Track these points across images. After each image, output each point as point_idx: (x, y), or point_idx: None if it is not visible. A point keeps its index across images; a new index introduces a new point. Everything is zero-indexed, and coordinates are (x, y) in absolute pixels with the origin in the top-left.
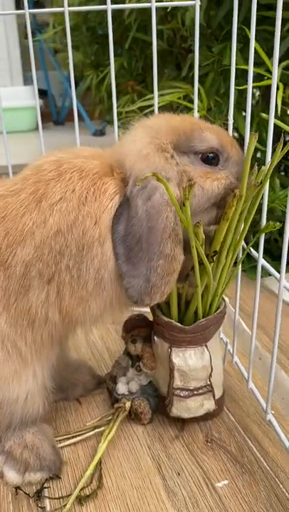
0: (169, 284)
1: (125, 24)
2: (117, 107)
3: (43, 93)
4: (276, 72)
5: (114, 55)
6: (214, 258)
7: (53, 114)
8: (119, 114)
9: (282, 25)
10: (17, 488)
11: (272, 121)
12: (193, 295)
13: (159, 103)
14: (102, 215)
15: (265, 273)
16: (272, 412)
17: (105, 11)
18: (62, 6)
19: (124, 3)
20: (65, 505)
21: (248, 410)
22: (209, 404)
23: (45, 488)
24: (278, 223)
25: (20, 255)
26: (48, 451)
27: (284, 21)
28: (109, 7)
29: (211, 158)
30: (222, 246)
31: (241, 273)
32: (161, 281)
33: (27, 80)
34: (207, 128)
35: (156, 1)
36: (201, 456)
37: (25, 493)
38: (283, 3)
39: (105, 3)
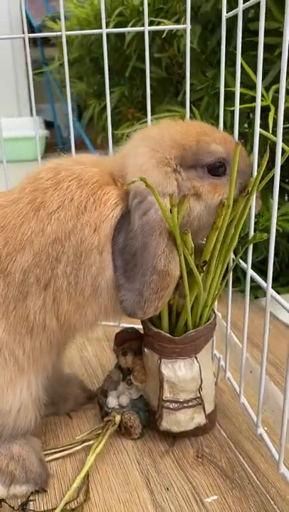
0: (163, 299)
1: (126, 54)
2: (118, 133)
3: (49, 124)
4: (260, 91)
5: (116, 85)
6: (204, 268)
7: (59, 145)
8: (120, 137)
9: (272, 50)
10: (1, 500)
11: (257, 139)
12: (183, 306)
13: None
14: (102, 224)
15: (261, 293)
16: (265, 428)
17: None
18: (68, 51)
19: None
20: None
21: (240, 427)
22: (200, 418)
23: (30, 500)
24: (265, 234)
25: (20, 262)
26: (34, 463)
27: (274, 47)
28: (104, 31)
29: (218, 168)
30: (211, 256)
31: (236, 293)
32: (154, 295)
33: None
34: (213, 139)
35: (149, 26)
36: (190, 471)
37: (10, 506)
38: (272, 30)
39: (109, 39)
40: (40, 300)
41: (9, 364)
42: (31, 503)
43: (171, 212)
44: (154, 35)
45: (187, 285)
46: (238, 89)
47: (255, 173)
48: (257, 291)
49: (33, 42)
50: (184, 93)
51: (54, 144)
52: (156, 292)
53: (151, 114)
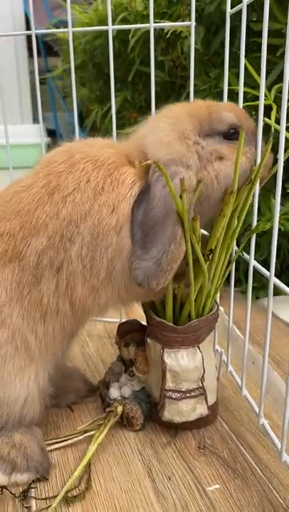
0: (173, 271)
1: (129, 59)
2: (121, 132)
3: (51, 132)
4: (263, 88)
5: (119, 90)
6: (209, 257)
7: None
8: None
9: (275, 51)
10: (2, 487)
11: (260, 137)
12: (188, 296)
13: None
14: (120, 204)
15: (262, 294)
16: (268, 421)
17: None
18: (71, 57)
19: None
20: (51, 505)
21: (242, 419)
22: (202, 409)
23: (32, 488)
24: (269, 224)
25: (34, 245)
26: (36, 451)
27: (276, 47)
28: (110, 28)
29: (232, 134)
30: (216, 245)
31: (237, 293)
32: (168, 266)
33: (36, 119)
34: (223, 108)
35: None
36: (192, 461)
37: (11, 493)
38: (275, 31)
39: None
40: (54, 283)
41: (20, 351)
42: (33, 490)
43: (181, 198)
44: (157, 38)
45: (192, 273)
46: (241, 88)
47: (258, 163)
48: (258, 291)
49: (37, 51)
50: (187, 94)
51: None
52: (170, 263)
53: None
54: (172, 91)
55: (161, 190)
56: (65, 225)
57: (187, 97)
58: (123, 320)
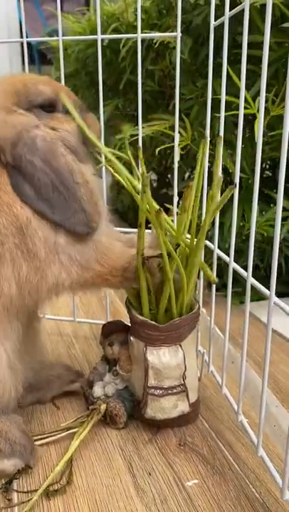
0: (99, 203)
1: (120, 68)
2: (110, 145)
3: None
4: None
5: (110, 99)
6: (177, 251)
7: None
8: (113, 146)
9: (259, 63)
10: None
11: (239, 148)
12: (163, 291)
13: (145, 133)
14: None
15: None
16: (247, 420)
17: (103, 56)
18: (64, 65)
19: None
20: (31, 499)
21: (222, 418)
22: (183, 406)
23: (15, 479)
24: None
25: None
26: (17, 435)
27: (260, 58)
28: (100, 37)
29: (49, 106)
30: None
31: (220, 297)
32: (92, 205)
33: None
34: (40, 81)
35: (142, 33)
36: (173, 458)
37: None
38: (257, 43)
39: (105, 54)
40: None
41: None
42: (15, 483)
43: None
44: (147, 48)
45: (169, 268)
46: (223, 95)
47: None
48: (242, 296)
49: (30, 59)
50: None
51: None
52: (90, 202)
53: (144, 122)
54: (162, 100)
55: (35, 157)
56: None
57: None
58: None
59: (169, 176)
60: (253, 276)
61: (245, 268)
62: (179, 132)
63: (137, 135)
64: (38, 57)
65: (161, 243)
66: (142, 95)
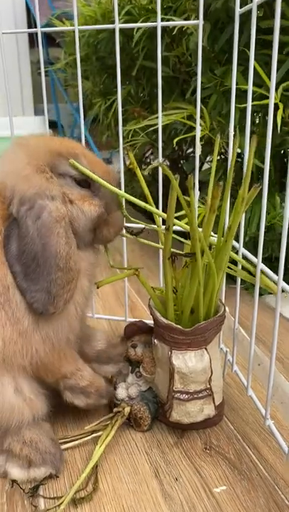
0: (71, 291)
1: (133, 53)
2: (123, 132)
3: (52, 124)
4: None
5: (122, 84)
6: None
7: None
8: (126, 136)
9: (281, 49)
10: (13, 481)
11: (269, 139)
12: (188, 295)
13: (163, 122)
14: None
15: (265, 290)
16: (273, 421)
17: (114, 40)
18: (74, 49)
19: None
20: (59, 506)
21: (247, 419)
22: (209, 410)
23: (41, 484)
24: None
25: None
26: (47, 444)
27: (283, 45)
28: (117, 26)
29: (83, 182)
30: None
31: (241, 290)
32: (62, 290)
33: (37, 111)
34: (83, 154)
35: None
36: (199, 462)
37: (21, 488)
38: (282, 28)
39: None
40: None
41: None
42: (41, 488)
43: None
44: (162, 33)
45: (200, 266)
46: (250, 87)
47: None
48: (261, 288)
49: (37, 42)
50: (192, 91)
51: None
52: (63, 287)
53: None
54: (176, 86)
55: (33, 225)
56: None
57: (193, 93)
58: (128, 318)
59: (182, 161)
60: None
61: (266, 260)
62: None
63: (153, 125)
64: (45, 39)
65: (196, 239)
66: (155, 81)
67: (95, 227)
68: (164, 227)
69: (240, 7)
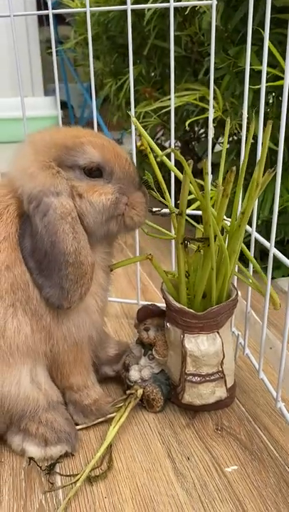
0: (86, 285)
1: (144, 32)
2: (135, 113)
3: (62, 104)
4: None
5: (133, 64)
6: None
7: (72, 124)
8: (137, 117)
9: None
10: (31, 459)
11: (284, 121)
12: (200, 279)
13: (175, 103)
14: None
15: (278, 273)
16: (284, 404)
17: (125, 19)
18: (85, 29)
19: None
20: (75, 483)
21: (258, 401)
22: (221, 392)
23: (58, 462)
24: None
25: None
26: (62, 423)
27: None
28: (129, 7)
29: (93, 171)
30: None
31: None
32: (75, 285)
33: (47, 91)
34: (90, 142)
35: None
36: (210, 442)
37: (38, 466)
38: None
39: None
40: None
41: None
42: (57, 466)
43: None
44: (174, 12)
45: (213, 251)
46: (264, 69)
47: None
48: (273, 271)
49: (46, 21)
50: (205, 72)
51: (67, 124)
52: (76, 282)
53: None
54: (188, 66)
55: (40, 222)
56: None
57: (206, 74)
58: (140, 301)
59: (193, 143)
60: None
61: (279, 244)
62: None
63: (166, 106)
64: (54, 18)
65: (210, 222)
66: (167, 61)
67: (109, 218)
68: (177, 210)
69: None
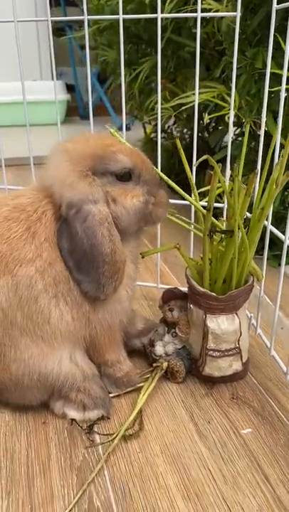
0: (119, 279)
1: (161, 25)
2: (149, 104)
3: (70, 88)
4: None
5: (147, 55)
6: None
7: (80, 109)
8: (150, 110)
9: None
10: (73, 420)
11: None
12: (222, 267)
13: (192, 101)
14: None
15: (288, 261)
16: None
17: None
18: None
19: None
20: (112, 440)
21: (269, 375)
22: (237, 365)
23: (96, 424)
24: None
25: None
26: (97, 391)
27: None
28: (160, 16)
29: (124, 175)
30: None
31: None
32: (110, 280)
33: (56, 75)
34: (120, 150)
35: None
36: (227, 409)
37: (79, 426)
38: None
39: (144, 11)
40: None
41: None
42: (96, 427)
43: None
44: (191, 10)
45: (236, 241)
46: (285, 72)
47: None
48: (280, 258)
49: (56, 1)
50: (222, 71)
51: (75, 108)
52: (111, 277)
53: (184, 87)
54: (201, 59)
55: (80, 227)
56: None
57: (222, 72)
58: (160, 285)
59: (205, 133)
60: None
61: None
62: (226, 101)
63: (187, 103)
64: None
65: (235, 220)
66: (181, 54)
67: (140, 218)
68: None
69: (278, 3)
